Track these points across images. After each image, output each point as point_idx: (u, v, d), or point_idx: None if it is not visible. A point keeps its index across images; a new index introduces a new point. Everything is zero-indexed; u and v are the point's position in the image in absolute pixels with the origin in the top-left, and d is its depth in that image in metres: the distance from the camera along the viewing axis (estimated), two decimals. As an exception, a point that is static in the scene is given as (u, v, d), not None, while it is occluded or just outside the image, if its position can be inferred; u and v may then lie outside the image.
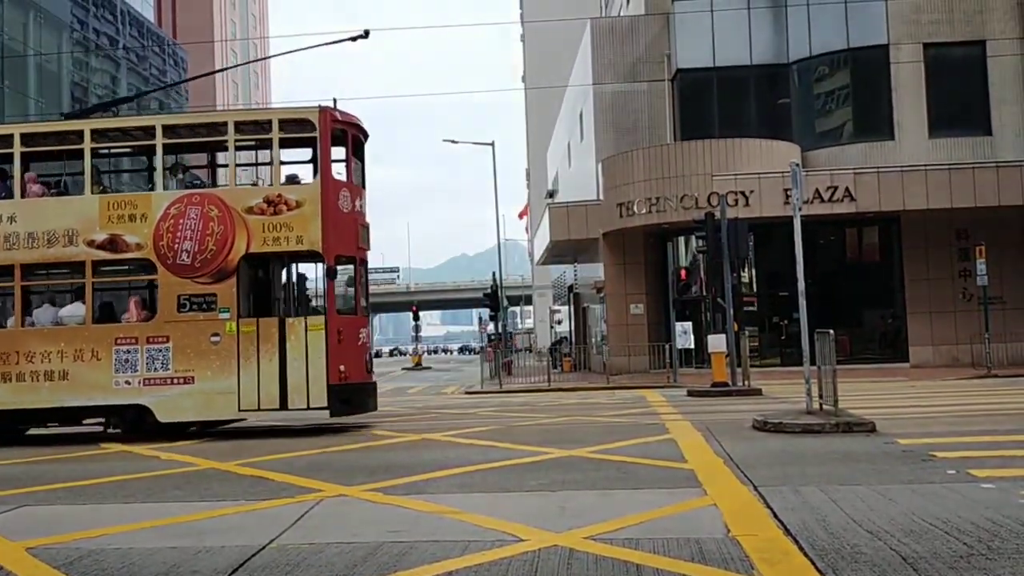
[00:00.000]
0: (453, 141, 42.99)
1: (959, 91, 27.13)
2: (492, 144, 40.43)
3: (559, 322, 49.97)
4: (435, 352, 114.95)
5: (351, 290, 14.65)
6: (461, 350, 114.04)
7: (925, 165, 25.22)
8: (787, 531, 5.77)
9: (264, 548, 5.83)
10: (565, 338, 42.41)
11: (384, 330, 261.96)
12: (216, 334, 13.47)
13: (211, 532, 6.46)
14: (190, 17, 77.54)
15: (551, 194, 49.04)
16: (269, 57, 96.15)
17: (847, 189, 24.66)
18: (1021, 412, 12.95)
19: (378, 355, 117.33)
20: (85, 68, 51.97)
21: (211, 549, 5.86)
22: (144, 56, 59.52)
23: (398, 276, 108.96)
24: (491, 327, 43.46)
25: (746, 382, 19.54)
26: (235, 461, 10.31)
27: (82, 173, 14.28)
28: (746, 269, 26.33)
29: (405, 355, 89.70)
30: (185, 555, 5.72)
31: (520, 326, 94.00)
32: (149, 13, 63.22)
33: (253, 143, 15.29)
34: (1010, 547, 5.17)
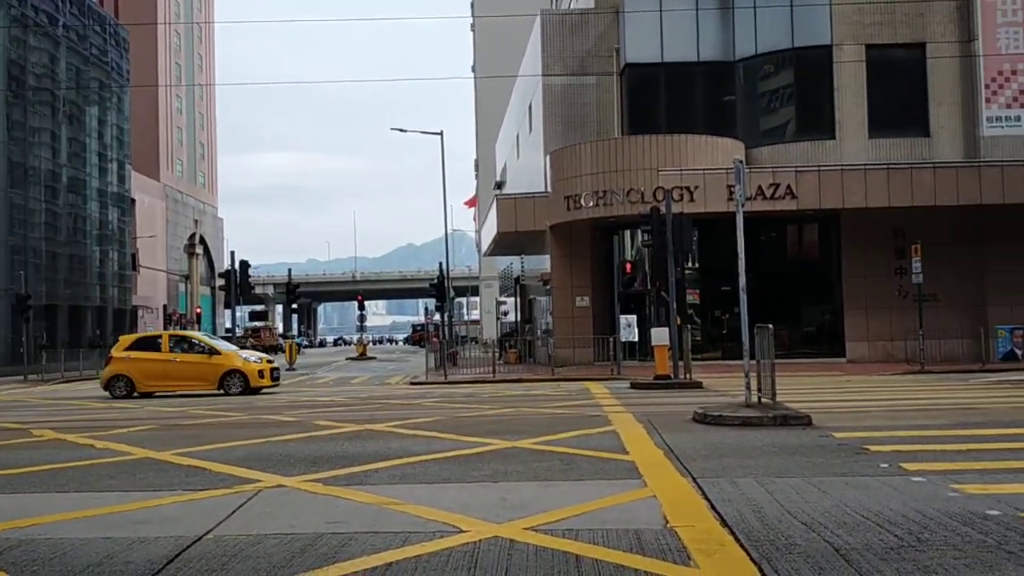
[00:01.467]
0: (401, 130, 42.63)
1: (899, 92, 27.75)
2: (440, 134, 40.25)
3: (505, 313, 50.04)
4: (380, 342, 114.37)
5: None
6: (407, 340, 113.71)
7: (865, 165, 25.79)
8: (724, 522, 5.87)
9: (200, 539, 5.74)
10: (515, 330, 42.49)
11: (329, 319, 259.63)
12: None
13: (146, 523, 6.34)
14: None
15: (499, 185, 49.02)
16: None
17: (789, 187, 25.10)
18: (952, 407, 13.33)
19: (322, 344, 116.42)
20: (23, 46, 50.38)
21: (146, 540, 5.75)
22: (84, 35, 57.91)
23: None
24: (420, 317, 43.34)
25: (688, 375, 19.82)
26: (172, 451, 10.13)
27: None
28: (690, 263, 26.65)
29: (350, 345, 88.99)
30: (119, 546, 5.60)
31: (467, 317, 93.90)
32: (90, -10, 61.47)
33: None
34: (938, 539, 5.32)
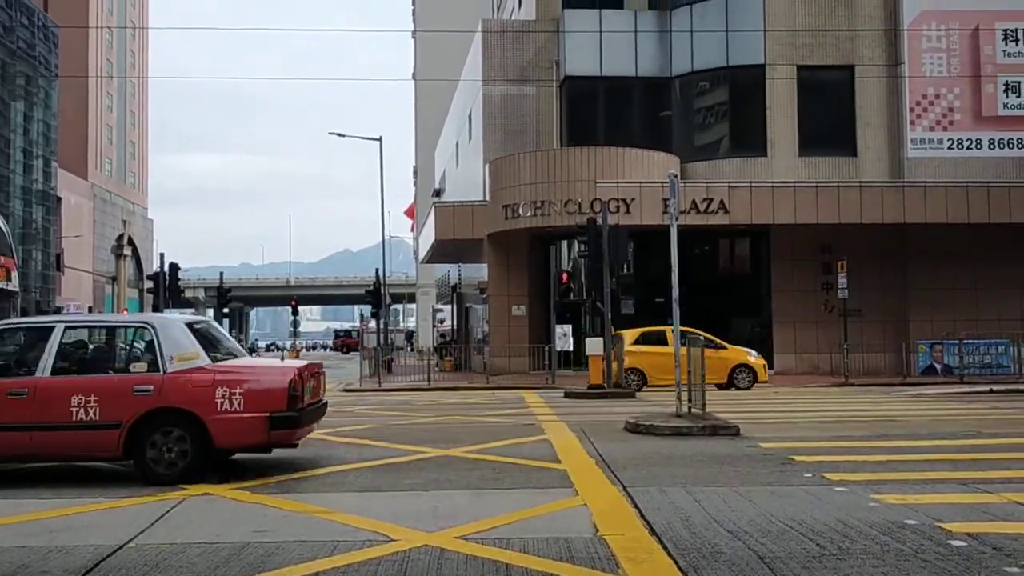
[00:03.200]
0: (340, 135, 42.22)
1: (829, 113, 28.51)
2: (380, 140, 40.01)
3: (441, 321, 49.87)
4: (314, 348, 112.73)
5: None
6: (329, 347, 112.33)
7: (795, 182, 26.44)
8: (652, 530, 5.94)
9: (122, 547, 5.59)
10: (454, 339, 42.36)
11: (262, 325, 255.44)
12: None
13: (65, 531, 6.15)
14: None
15: (438, 192, 48.92)
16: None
17: (722, 202, 25.59)
18: (874, 419, 13.71)
19: (253, 350, 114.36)
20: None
21: (64, 548, 5.58)
22: (11, 27, 56.15)
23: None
24: (356, 324, 42.86)
25: (621, 385, 19.99)
26: (95, 457, 9.83)
27: None
28: (626, 272, 26.94)
29: (283, 351, 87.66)
30: (35, 555, 5.43)
31: (403, 324, 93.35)
32: (18, -18, 59.65)
33: None
34: (858, 548, 5.47)
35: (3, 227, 16.94)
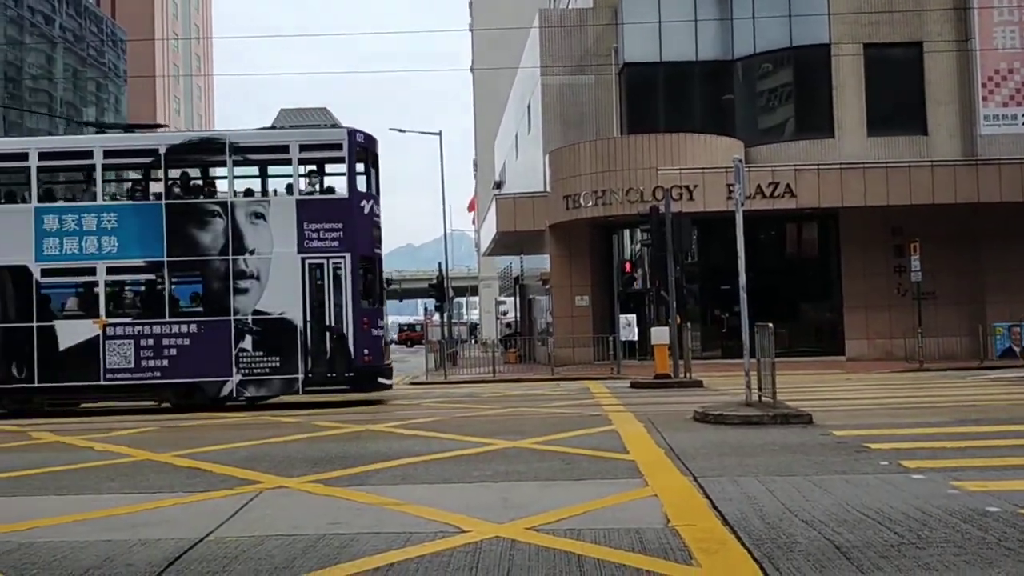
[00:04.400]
0: (400, 130, 42.57)
1: (897, 91, 27.73)
2: (439, 134, 40.22)
3: (504, 313, 49.98)
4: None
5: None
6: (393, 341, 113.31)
7: (863, 163, 25.79)
8: (725, 521, 5.87)
9: (201, 541, 5.74)
10: (517, 331, 42.43)
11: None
12: None
13: (146, 525, 6.34)
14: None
15: (498, 185, 48.99)
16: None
17: (788, 186, 25.10)
18: (951, 405, 13.35)
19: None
20: (19, 47, 50.38)
21: (146, 542, 5.75)
22: (81, 36, 57.91)
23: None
24: (420, 318, 43.10)
25: (688, 374, 19.81)
26: (172, 452, 10.12)
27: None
28: (690, 261, 26.66)
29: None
30: (119, 548, 5.60)
31: (466, 317, 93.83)
32: (87, -8, 61.50)
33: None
34: (938, 536, 5.33)
35: None
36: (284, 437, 11.52)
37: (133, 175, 18.33)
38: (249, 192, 16.91)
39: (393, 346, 78.14)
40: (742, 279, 13.29)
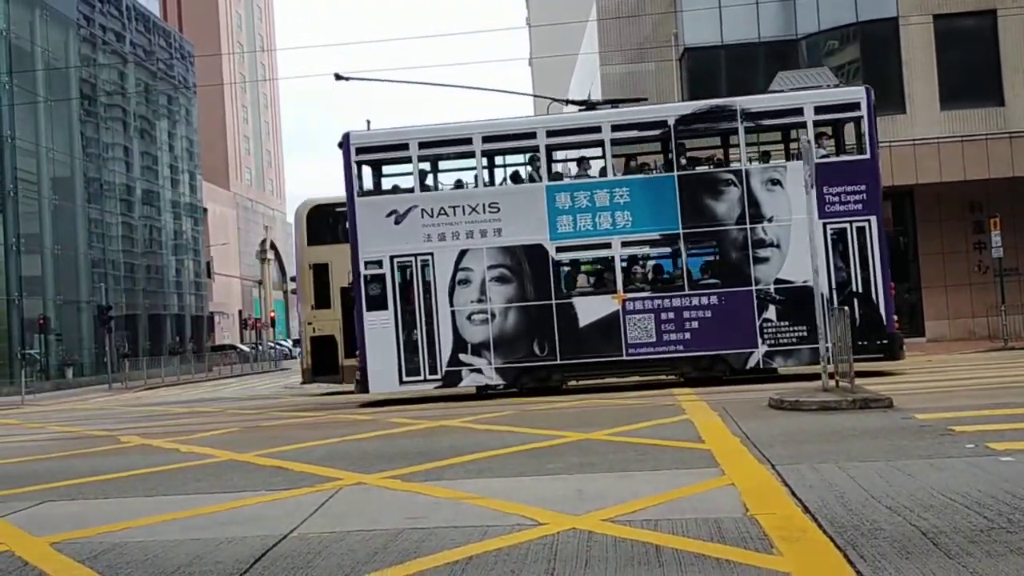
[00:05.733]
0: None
1: (970, 62, 26.77)
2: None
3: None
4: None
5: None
6: None
7: (938, 138, 25.00)
8: (805, 508, 5.77)
9: (285, 537, 5.88)
10: None
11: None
12: None
13: (232, 523, 6.52)
14: (195, 7, 77.51)
15: (561, 177, 48.86)
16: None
17: (859, 164, 24.45)
18: (1039, 384, 12.87)
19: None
20: (93, 64, 52.06)
21: (233, 540, 5.91)
22: (151, 51, 59.57)
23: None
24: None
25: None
26: (253, 452, 10.38)
27: None
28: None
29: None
30: (208, 546, 5.77)
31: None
32: (154, 7, 63.20)
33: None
34: (1030, 520, 5.15)
35: None
36: (360, 435, 11.70)
37: (642, 148, 18.00)
38: (766, 156, 16.86)
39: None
40: (815, 261, 13.03)
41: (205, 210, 67.24)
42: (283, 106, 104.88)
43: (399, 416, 14.01)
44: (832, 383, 12.21)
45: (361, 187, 16.73)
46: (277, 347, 59.24)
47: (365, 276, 16.28)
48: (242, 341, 68.06)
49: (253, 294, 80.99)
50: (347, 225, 17.07)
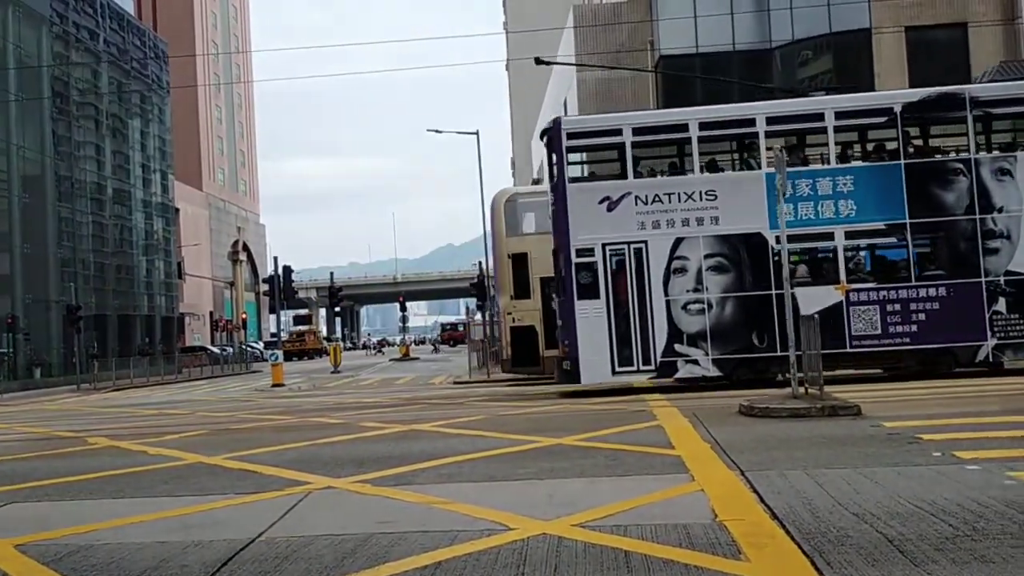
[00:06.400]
0: (437, 131, 42.74)
1: (942, 73, 27.13)
2: (476, 133, 40.31)
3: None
4: (422, 343, 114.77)
5: None
6: (435, 341, 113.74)
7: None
8: (774, 515, 5.81)
9: (253, 541, 5.83)
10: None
11: (372, 321, 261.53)
12: None
13: (199, 526, 6.45)
14: (170, 6, 76.88)
15: (537, 182, 48.95)
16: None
17: (831, 174, 24.71)
18: (1006, 394, 13.05)
19: (365, 347, 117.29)
20: (66, 62, 51.47)
21: (200, 543, 5.85)
22: (125, 49, 58.99)
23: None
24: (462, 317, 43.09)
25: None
26: (223, 455, 10.28)
27: None
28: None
29: (393, 346, 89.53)
30: (174, 550, 5.71)
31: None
32: (129, 5, 62.61)
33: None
34: (995, 528, 5.22)
35: None
36: (331, 438, 11.63)
37: (866, 136, 17.52)
38: (1002, 147, 16.50)
39: (439, 345, 78.03)
40: (784, 272, 13.14)
41: (177, 210, 66.65)
42: (257, 106, 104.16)
43: (371, 420, 13.95)
44: (802, 390, 12.32)
45: (571, 174, 16.40)
46: (248, 349, 58.78)
47: (576, 264, 15.95)
48: (213, 343, 67.47)
49: (225, 295, 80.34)
50: (551, 213, 16.77)
